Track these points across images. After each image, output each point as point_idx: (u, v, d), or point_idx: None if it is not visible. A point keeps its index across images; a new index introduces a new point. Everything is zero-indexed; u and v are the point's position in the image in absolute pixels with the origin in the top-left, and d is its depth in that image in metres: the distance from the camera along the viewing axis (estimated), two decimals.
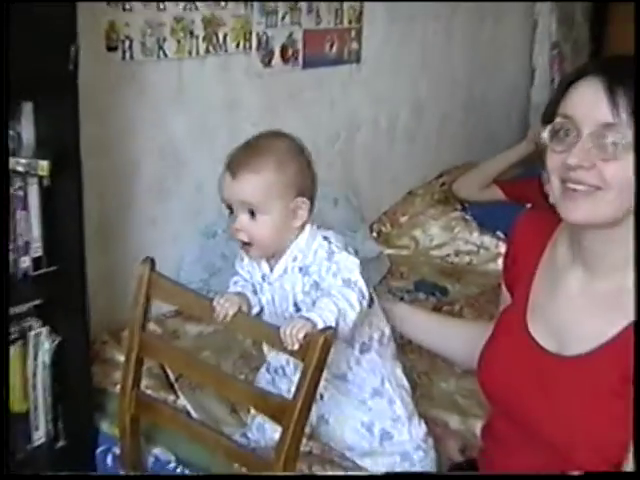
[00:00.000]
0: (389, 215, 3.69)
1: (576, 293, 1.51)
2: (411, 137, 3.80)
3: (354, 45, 3.35)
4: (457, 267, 3.44)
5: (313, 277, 1.77)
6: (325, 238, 1.78)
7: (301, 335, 1.57)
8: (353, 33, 3.33)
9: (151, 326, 2.44)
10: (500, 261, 1.73)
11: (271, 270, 1.82)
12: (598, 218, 1.41)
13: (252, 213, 1.74)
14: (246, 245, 1.78)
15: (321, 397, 1.89)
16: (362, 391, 1.90)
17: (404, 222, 3.66)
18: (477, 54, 4.08)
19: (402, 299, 2.93)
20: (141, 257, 1.82)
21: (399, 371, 1.95)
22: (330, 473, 1.93)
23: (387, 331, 1.90)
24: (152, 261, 1.80)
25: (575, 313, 1.50)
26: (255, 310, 1.82)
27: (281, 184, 1.74)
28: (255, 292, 1.84)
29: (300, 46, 3.09)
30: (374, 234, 3.57)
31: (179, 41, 2.64)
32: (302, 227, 1.79)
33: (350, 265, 1.74)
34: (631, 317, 1.40)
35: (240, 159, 1.75)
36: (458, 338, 1.89)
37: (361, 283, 1.71)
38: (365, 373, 1.89)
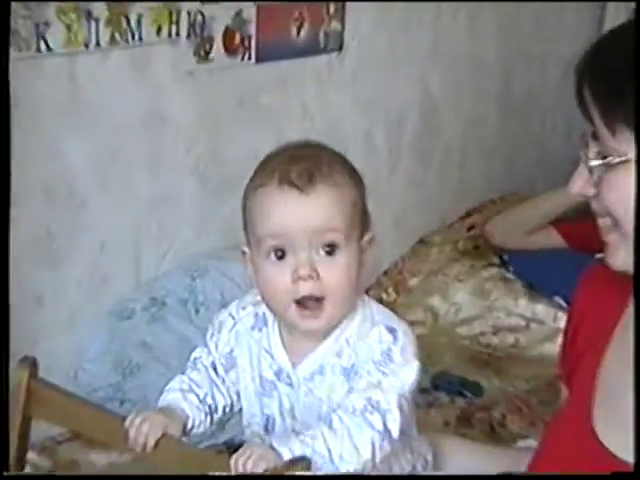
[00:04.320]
0: (392, 275, 2.79)
1: None
2: (422, 154, 2.86)
3: (334, 25, 2.39)
4: (496, 352, 2.60)
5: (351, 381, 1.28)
6: (390, 331, 1.22)
7: (258, 470, 1.10)
8: (332, 8, 2.35)
9: (34, 458, 1.90)
10: (560, 340, 1.28)
11: (294, 365, 1.28)
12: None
13: (329, 250, 1.20)
14: (314, 303, 1.19)
15: None
16: None
17: (414, 285, 2.78)
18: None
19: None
20: (19, 354, 1.29)
21: None
22: None
23: (430, 458, 1.42)
24: (33, 363, 1.30)
25: None
26: (200, 429, 1.31)
27: (360, 206, 1.20)
28: (206, 403, 1.28)
29: (253, 30, 2.21)
30: None
31: (69, 27, 1.93)
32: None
33: (398, 383, 1.21)
34: None
35: (306, 167, 1.17)
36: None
37: (394, 414, 1.18)
38: None
